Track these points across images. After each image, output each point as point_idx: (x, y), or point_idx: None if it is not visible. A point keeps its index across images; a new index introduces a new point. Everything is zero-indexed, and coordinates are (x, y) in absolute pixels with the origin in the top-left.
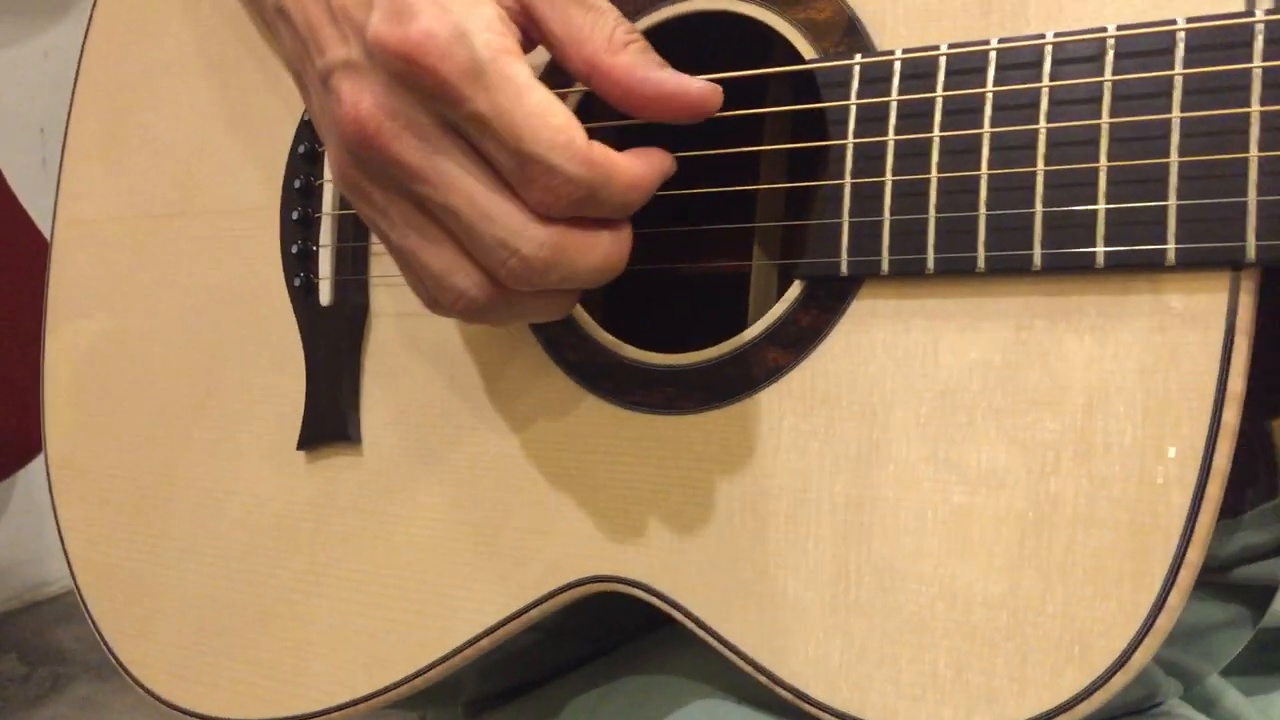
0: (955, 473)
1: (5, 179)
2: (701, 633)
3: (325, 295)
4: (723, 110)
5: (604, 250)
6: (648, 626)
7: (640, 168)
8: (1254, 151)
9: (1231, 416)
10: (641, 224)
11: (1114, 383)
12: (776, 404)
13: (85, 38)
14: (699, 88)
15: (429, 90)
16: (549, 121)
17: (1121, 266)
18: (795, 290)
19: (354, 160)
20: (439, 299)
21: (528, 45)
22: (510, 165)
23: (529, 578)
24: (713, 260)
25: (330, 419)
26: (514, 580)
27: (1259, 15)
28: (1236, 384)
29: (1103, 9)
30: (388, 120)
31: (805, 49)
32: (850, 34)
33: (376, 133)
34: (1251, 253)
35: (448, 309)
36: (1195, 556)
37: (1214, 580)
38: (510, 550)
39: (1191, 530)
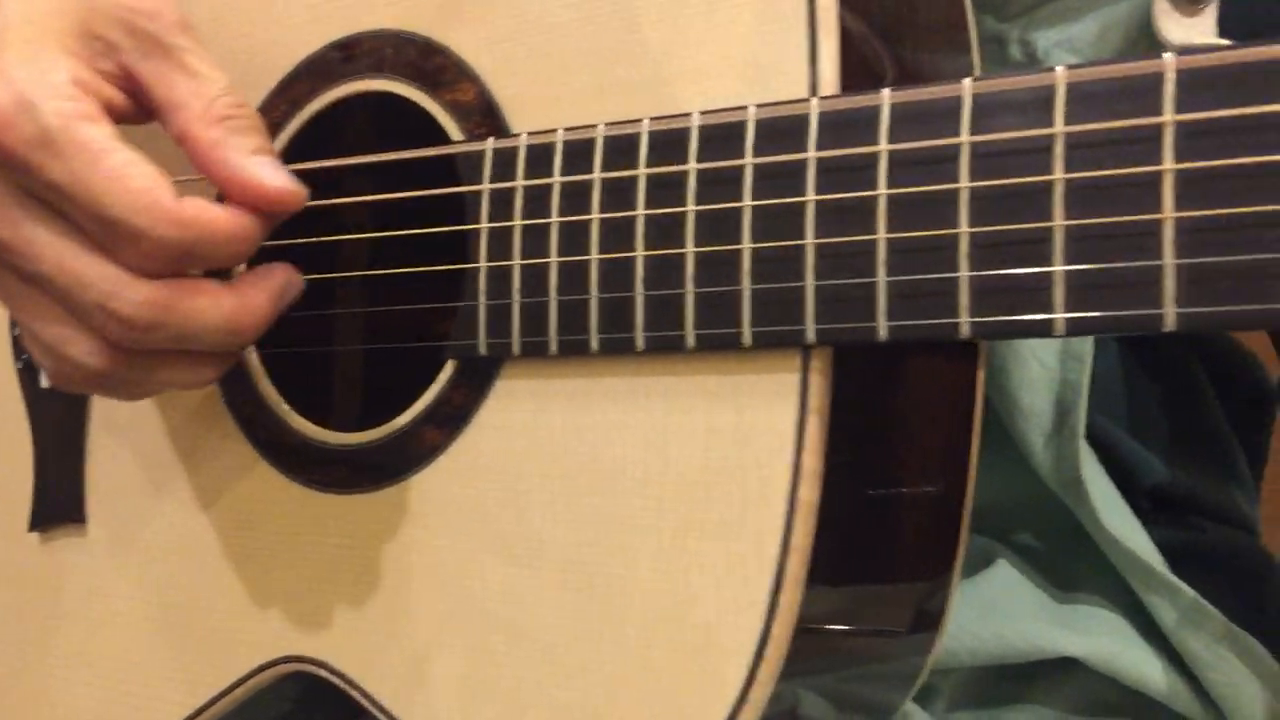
0: (583, 553)
1: None
2: (378, 714)
3: (44, 377)
4: (385, 191)
5: (226, 311)
6: None
7: (241, 219)
8: (809, 239)
9: (807, 493)
10: (310, 303)
11: (701, 462)
12: (435, 484)
13: None
14: (275, 187)
15: (1, 163)
16: (129, 185)
17: (708, 348)
18: (448, 370)
19: None
20: (59, 371)
21: (138, 110)
22: (96, 230)
23: (222, 661)
24: (388, 337)
25: (58, 499)
26: (208, 664)
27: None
28: (811, 461)
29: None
30: None
31: (453, 131)
32: (490, 116)
33: None
34: (811, 335)
35: (70, 381)
36: (781, 632)
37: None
38: (202, 633)
39: (775, 608)
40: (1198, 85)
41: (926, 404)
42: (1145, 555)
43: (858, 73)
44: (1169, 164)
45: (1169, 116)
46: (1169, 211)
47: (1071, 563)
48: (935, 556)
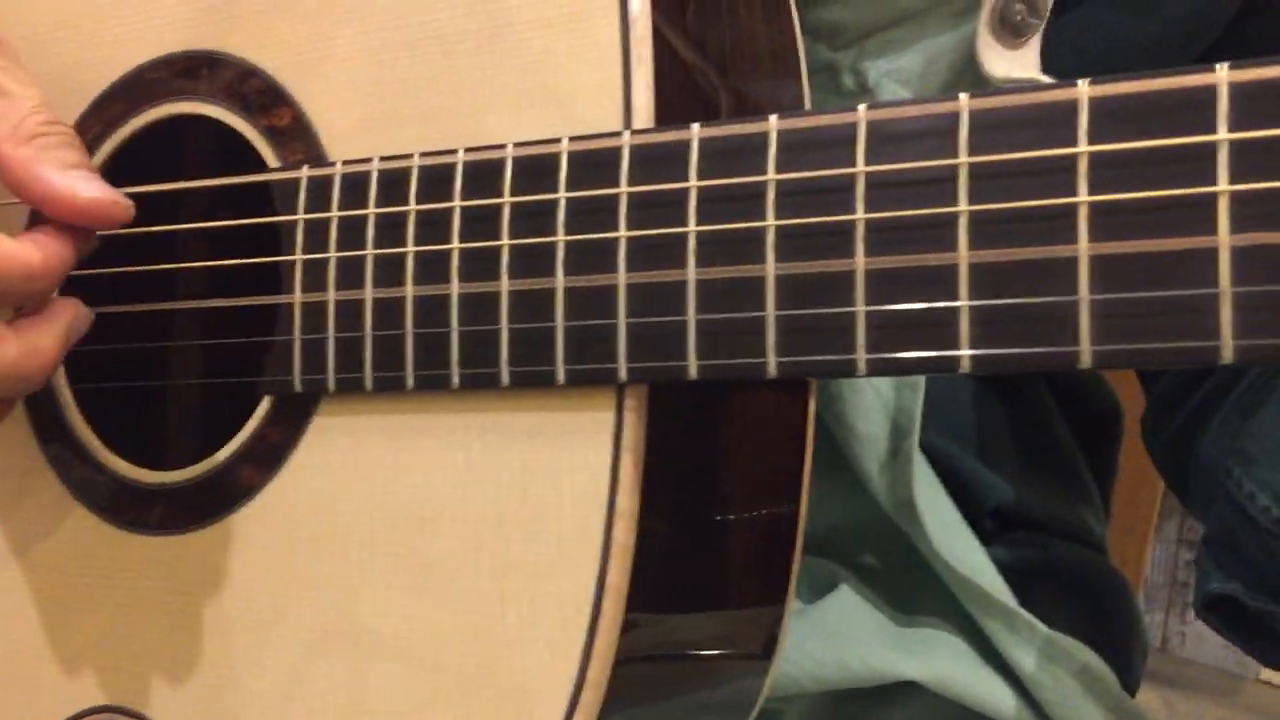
0: (399, 597)
1: None
2: None
3: None
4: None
5: (10, 358)
6: None
7: (35, 255)
8: (621, 276)
9: (622, 534)
10: (123, 335)
11: (519, 502)
12: (252, 524)
13: None
14: (88, 197)
15: None
16: None
17: (523, 385)
18: (264, 407)
19: None
20: None
21: None
22: None
23: (33, 716)
24: (204, 372)
25: None
26: (29, 715)
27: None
28: (626, 501)
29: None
30: None
31: (270, 157)
32: (306, 143)
33: None
34: (624, 374)
35: None
36: (597, 675)
37: None
38: (12, 687)
39: (590, 650)
40: (990, 128)
41: (755, 435)
42: (980, 578)
43: (677, 104)
44: (963, 205)
45: (962, 158)
46: (964, 251)
47: (913, 586)
48: (767, 584)
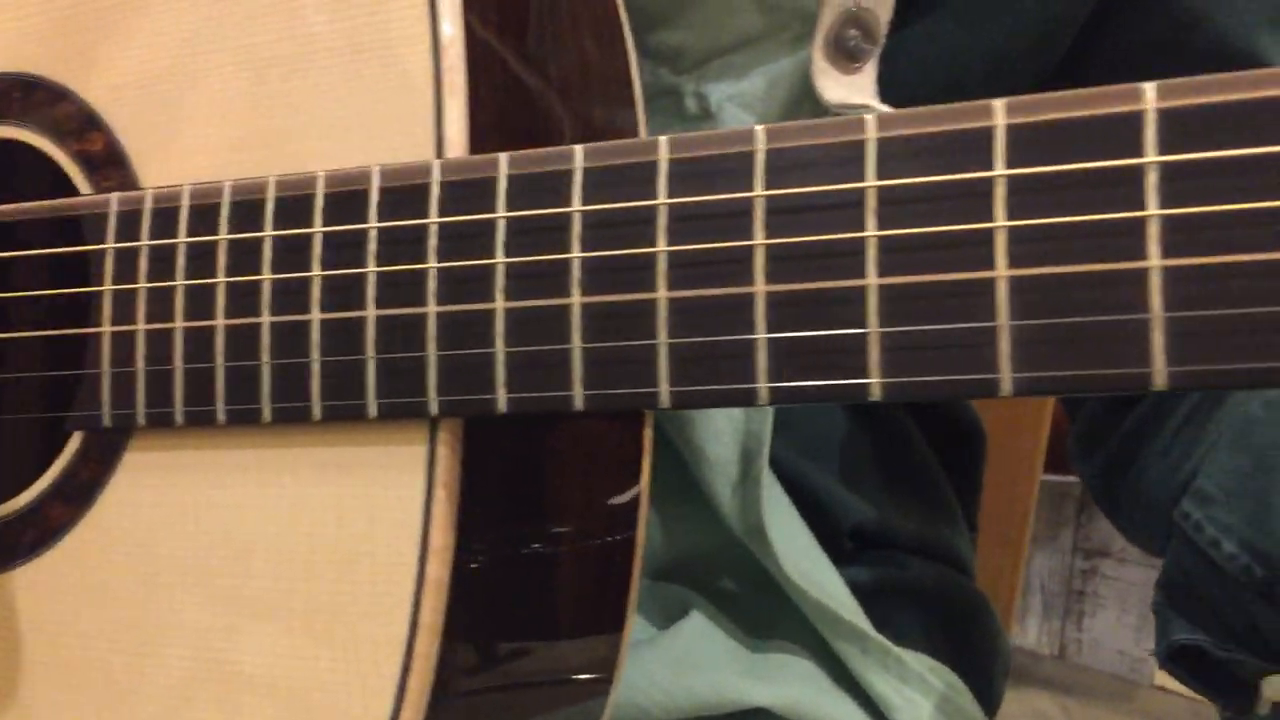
0: (211, 639)
1: None
2: None
3: None
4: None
5: None
6: None
7: None
8: (431, 307)
9: (436, 570)
10: None
11: (332, 540)
12: (62, 564)
13: None
14: None
15: None
16: None
17: (336, 419)
18: (74, 442)
19: None
20: None
21: None
22: None
23: None
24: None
25: None
26: None
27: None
28: (439, 537)
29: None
30: None
31: (82, 184)
32: (119, 170)
33: None
34: (435, 407)
35: None
36: (411, 716)
37: None
38: None
39: (404, 689)
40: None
41: (585, 465)
42: (832, 601)
43: (495, 132)
44: (756, 238)
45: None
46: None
47: (767, 610)
48: (602, 614)
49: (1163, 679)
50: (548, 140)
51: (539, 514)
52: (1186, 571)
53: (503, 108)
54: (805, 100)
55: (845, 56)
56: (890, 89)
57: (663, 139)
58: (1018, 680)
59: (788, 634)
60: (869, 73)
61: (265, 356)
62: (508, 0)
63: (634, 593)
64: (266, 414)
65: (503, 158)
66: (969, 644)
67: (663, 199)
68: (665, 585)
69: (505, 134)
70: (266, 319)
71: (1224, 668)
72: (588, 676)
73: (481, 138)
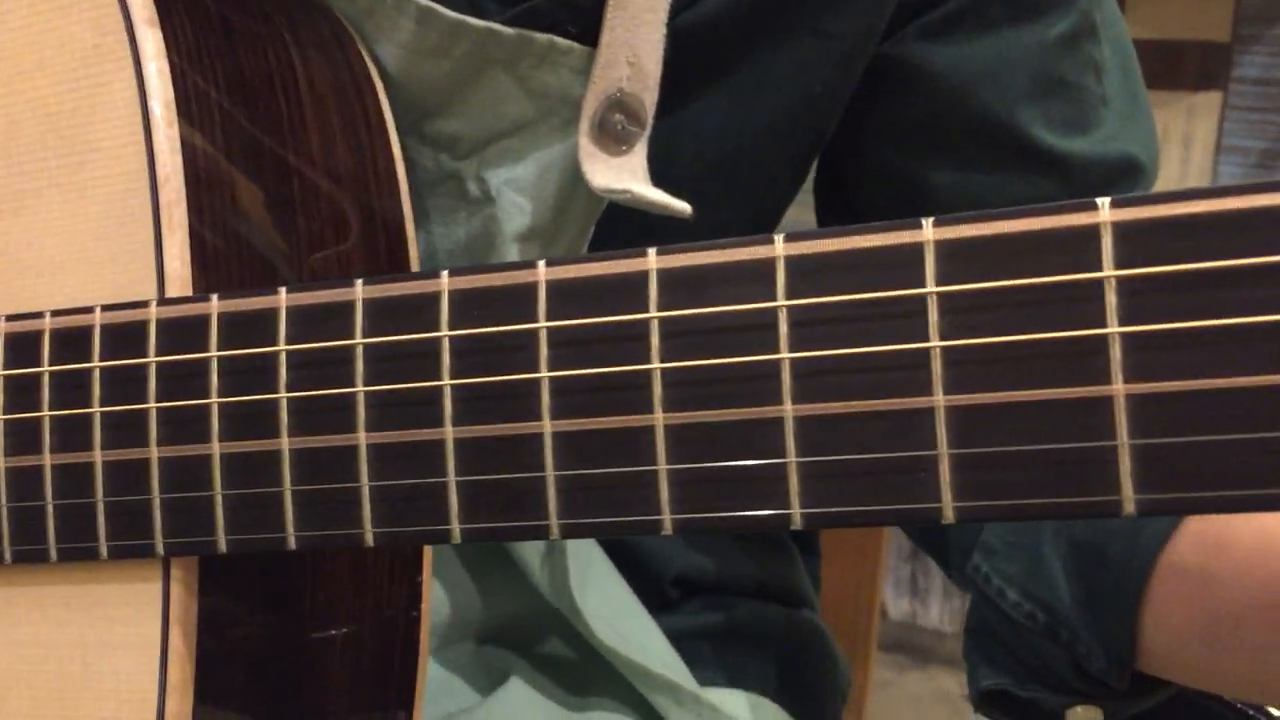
0: None
1: None
2: None
3: None
4: None
5: None
6: None
7: None
8: (153, 449)
9: (176, 706)
10: None
11: (80, 679)
12: None
13: None
14: None
15: None
16: None
17: (72, 559)
18: None
19: None
20: None
21: None
22: None
23: None
24: None
25: None
26: None
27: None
28: (177, 673)
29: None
30: None
31: None
32: None
33: None
34: (161, 548)
35: None
36: None
37: None
38: None
39: None
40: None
41: (359, 572)
42: (646, 656)
43: (224, 265)
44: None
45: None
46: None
47: (585, 669)
48: (387, 702)
49: None
50: (296, 263)
51: (297, 629)
52: (983, 618)
53: (229, 234)
54: (578, 185)
55: (613, 140)
56: (668, 168)
57: (358, 282)
58: (923, 659)
59: (608, 691)
60: (638, 155)
61: (1, 500)
62: (237, 122)
63: (422, 675)
64: (7, 556)
65: (214, 298)
66: (800, 677)
67: (359, 339)
68: (488, 649)
69: (240, 265)
70: (2, 462)
71: (1032, 705)
72: None
73: (205, 267)
